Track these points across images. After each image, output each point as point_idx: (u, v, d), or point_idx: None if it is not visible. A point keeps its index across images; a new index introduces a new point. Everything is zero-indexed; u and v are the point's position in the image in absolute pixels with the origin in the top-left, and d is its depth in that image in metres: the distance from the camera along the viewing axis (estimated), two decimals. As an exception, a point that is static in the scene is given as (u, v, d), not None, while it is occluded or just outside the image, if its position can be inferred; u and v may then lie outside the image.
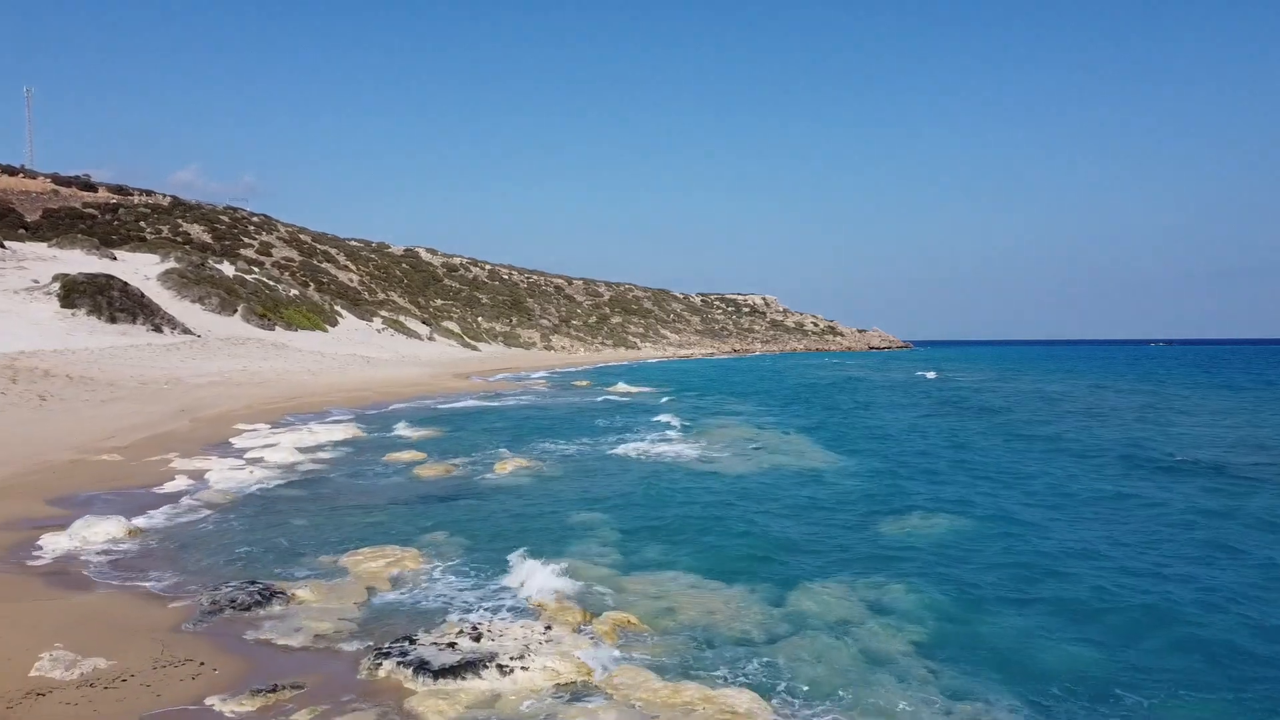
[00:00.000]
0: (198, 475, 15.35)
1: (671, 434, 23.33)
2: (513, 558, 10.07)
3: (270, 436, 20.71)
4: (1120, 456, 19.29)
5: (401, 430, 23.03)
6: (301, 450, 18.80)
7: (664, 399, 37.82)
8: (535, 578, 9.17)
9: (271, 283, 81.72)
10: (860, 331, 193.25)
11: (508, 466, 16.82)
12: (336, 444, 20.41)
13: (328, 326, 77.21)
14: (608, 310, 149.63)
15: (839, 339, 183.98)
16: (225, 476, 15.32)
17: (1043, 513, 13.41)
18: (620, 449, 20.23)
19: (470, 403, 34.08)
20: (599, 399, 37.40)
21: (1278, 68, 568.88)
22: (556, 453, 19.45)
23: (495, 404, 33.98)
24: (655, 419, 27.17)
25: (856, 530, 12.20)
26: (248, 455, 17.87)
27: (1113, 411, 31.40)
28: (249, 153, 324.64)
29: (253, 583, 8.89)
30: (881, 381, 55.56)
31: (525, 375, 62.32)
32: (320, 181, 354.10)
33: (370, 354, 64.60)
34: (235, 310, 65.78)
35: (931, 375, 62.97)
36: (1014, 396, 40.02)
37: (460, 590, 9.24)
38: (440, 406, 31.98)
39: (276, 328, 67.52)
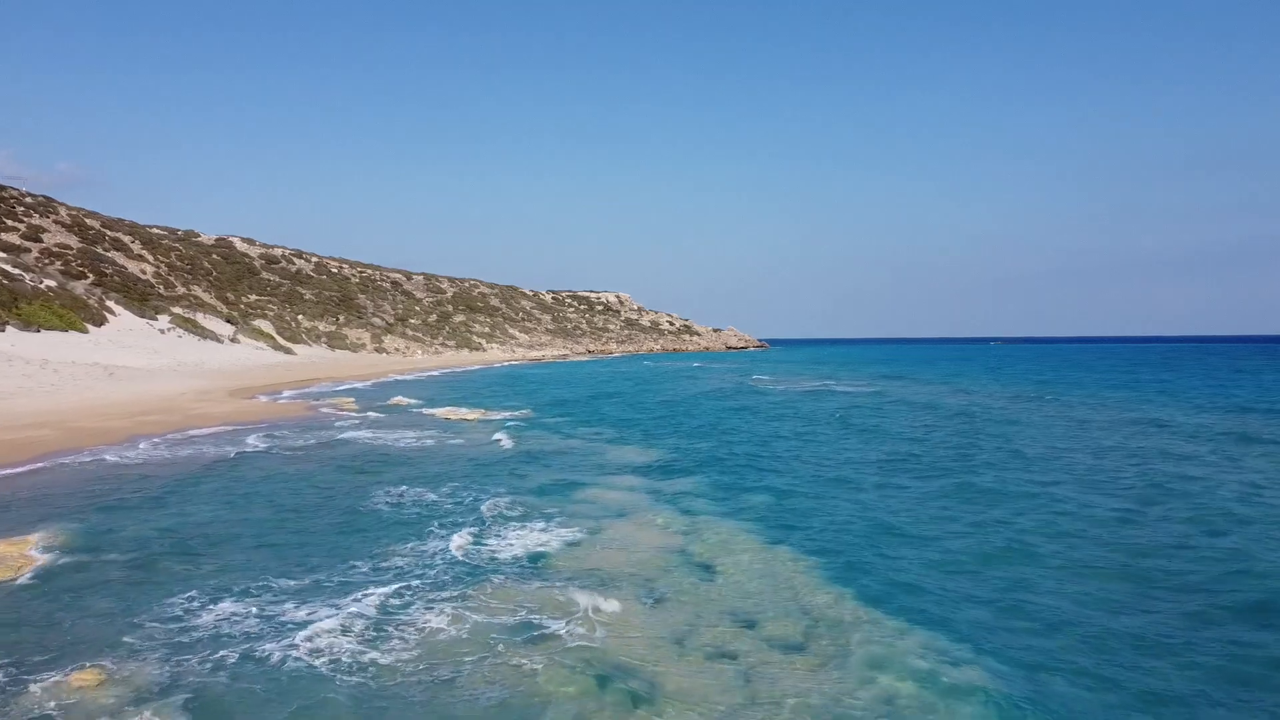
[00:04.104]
0: None
1: (514, 555, 12.51)
2: None
3: None
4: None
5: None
6: None
7: (509, 438, 26.79)
8: None
9: (17, 271, 65.80)
10: (716, 331, 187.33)
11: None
12: None
13: (89, 326, 62.25)
14: (450, 308, 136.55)
15: (695, 338, 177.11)
16: None
17: None
18: (397, 621, 9.29)
19: (205, 448, 22.24)
20: (405, 437, 26.10)
21: (1096, 79, 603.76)
22: (219, 657, 8.21)
23: (245, 449, 22.25)
24: (484, 499, 16.17)
25: None
26: None
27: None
28: (68, 140, 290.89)
29: None
30: (797, 405, 46.30)
31: (334, 388, 49.94)
32: (153, 174, 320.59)
33: (131, 362, 50.65)
34: (-55, 305, 50.62)
35: (763, 379, 55.21)
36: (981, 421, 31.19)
37: None
38: (137, 461, 20.08)
39: (7, 327, 52.64)
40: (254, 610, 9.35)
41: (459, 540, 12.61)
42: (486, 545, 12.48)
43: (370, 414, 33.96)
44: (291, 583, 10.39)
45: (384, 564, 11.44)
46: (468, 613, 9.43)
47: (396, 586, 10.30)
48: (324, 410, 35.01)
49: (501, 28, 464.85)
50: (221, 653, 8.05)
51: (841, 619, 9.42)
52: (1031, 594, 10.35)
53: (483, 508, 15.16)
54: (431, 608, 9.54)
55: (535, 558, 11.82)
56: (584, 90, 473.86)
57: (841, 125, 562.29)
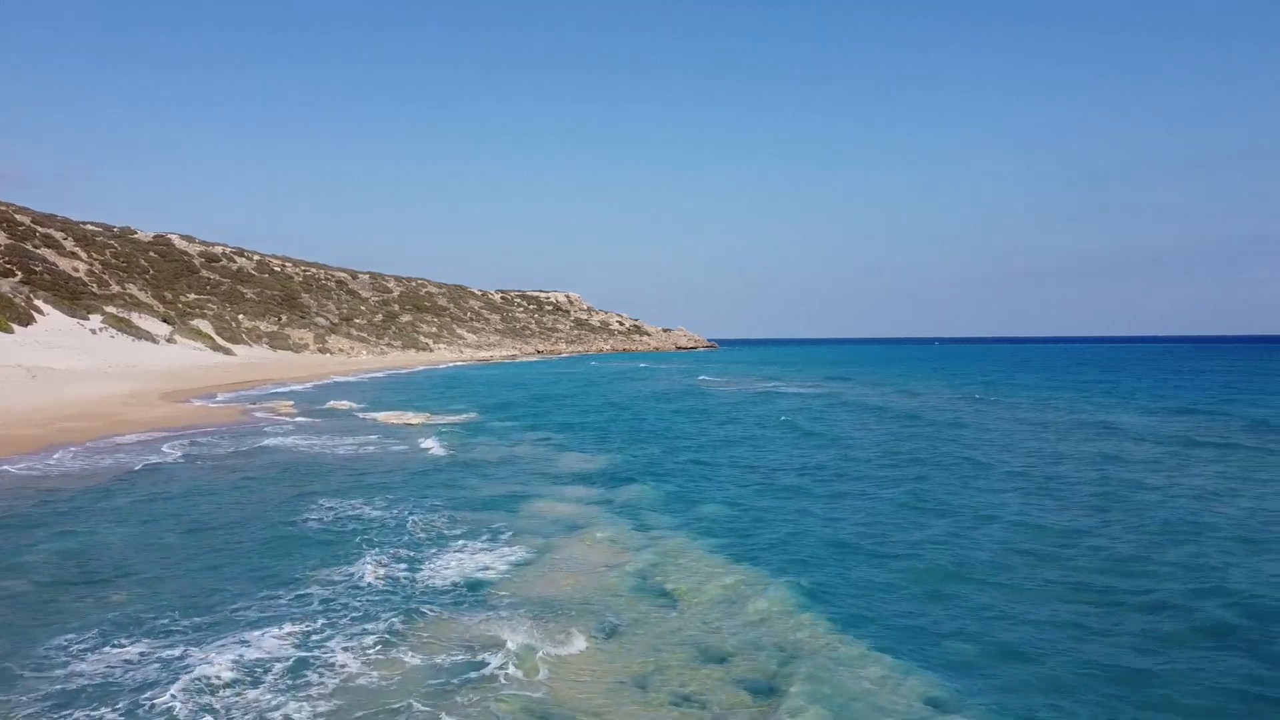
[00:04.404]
0: None
1: (452, 581, 11.61)
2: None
3: None
4: None
5: None
6: None
7: (453, 444, 25.75)
8: None
9: (-64, 269, 62.93)
10: (666, 331, 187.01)
11: None
12: None
13: (14, 326, 59.68)
14: (397, 308, 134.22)
15: (645, 339, 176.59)
16: None
17: None
18: (317, 664, 8.35)
19: (127, 457, 20.93)
20: (343, 444, 24.98)
21: (1096, 79, 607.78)
22: (101, 715, 7.07)
23: (169, 458, 20.98)
24: (423, 515, 15.15)
25: None
26: None
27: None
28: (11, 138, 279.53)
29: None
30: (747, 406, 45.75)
31: (274, 391, 48.27)
32: (147, 175, 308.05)
33: (57, 363, 48.47)
34: None
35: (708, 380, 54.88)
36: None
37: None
38: (48, 473, 18.76)
39: (-76, 328, 50.15)
40: (155, 652, 8.32)
41: (392, 565, 11.64)
42: (422, 570, 11.53)
43: (308, 419, 32.63)
44: (200, 618, 9.34)
45: (306, 592, 10.44)
46: (398, 653, 8.50)
47: (320, 622, 9.32)
48: (259, 414, 33.59)
49: (501, 28, 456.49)
50: (104, 710, 7.01)
51: (804, 651, 8.68)
52: (1003, 620, 9.71)
53: (421, 525, 14.19)
54: (356, 648, 8.59)
55: (475, 585, 10.90)
56: (584, 90, 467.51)
57: (841, 125, 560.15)
